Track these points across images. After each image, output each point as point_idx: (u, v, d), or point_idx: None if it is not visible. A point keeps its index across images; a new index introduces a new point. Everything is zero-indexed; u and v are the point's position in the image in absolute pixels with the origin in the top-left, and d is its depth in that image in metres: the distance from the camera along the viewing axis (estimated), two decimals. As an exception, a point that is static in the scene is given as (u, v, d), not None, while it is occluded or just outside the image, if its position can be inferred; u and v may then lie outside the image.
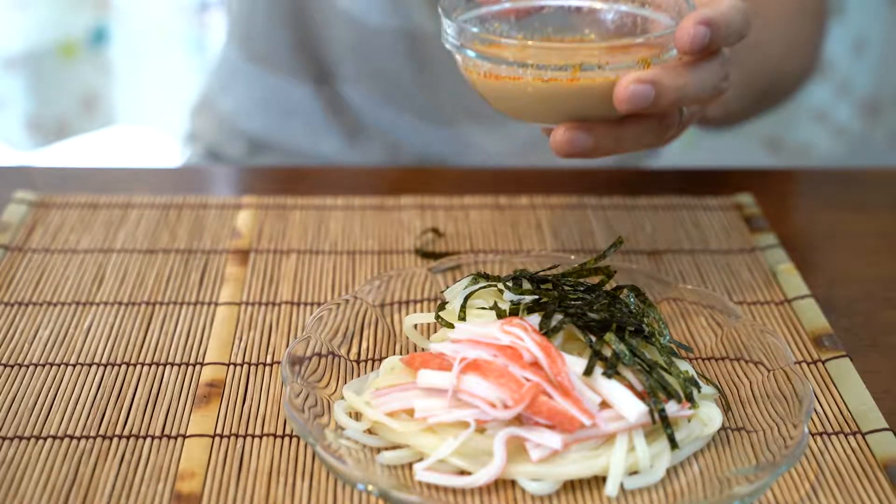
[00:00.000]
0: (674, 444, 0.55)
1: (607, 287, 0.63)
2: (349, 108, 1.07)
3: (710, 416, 0.57)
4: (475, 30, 0.64)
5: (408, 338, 0.64)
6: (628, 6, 0.68)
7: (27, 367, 0.63)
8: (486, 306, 0.61)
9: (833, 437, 0.59)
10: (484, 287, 0.62)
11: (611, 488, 0.53)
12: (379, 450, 0.56)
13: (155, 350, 0.65)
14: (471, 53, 0.63)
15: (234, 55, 1.11)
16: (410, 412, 0.56)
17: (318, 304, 0.70)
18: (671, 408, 0.55)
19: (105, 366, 0.64)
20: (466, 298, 0.61)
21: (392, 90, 1.05)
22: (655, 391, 0.55)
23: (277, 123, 1.09)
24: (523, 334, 0.56)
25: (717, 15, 0.60)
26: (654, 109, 0.60)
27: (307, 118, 1.08)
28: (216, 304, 0.69)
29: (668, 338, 0.60)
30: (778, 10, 0.93)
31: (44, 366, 0.63)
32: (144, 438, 0.58)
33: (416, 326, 0.64)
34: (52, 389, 0.61)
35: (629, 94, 0.59)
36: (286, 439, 0.58)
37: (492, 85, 0.64)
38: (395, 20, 1.01)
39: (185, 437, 0.58)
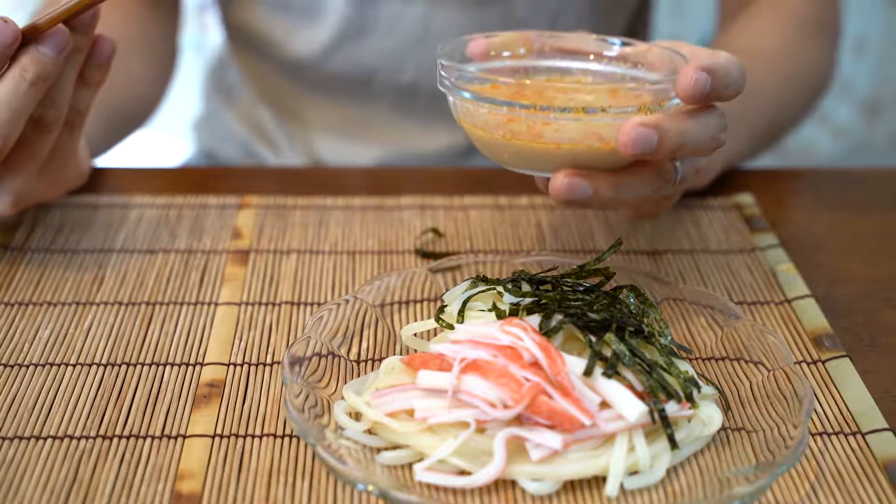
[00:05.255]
0: (674, 444, 0.55)
1: (607, 287, 0.63)
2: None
3: (710, 416, 0.57)
4: (473, 69, 0.63)
5: (408, 338, 0.64)
6: (622, 67, 0.69)
7: (27, 367, 0.63)
8: (486, 308, 0.61)
9: (833, 437, 0.59)
10: (483, 291, 0.62)
11: (611, 488, 0.53)
12: (379, 450, 0.56)
13: (155, 350, 0.65)
14: (467, 95, 0.63)
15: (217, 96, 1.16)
16: (410, 412, 0.56)
17: (318, 304, 0.70)
18: (671, 408, 0.55)
19: (105, 366, 0.64)
20: (465, 302, 0.61)
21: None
22: (655, 391, 0.55)
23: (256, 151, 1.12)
24: (523, 334, 0.56)
25: (716, 64, 0.61)
26: (656, 156, 0.61)
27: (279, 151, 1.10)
28: (216, 304, 0.69)
29: (668, 338, 0.60)
30: (773, 42, 0.91)
31: (44, 366, 0.63)
32: (144, 438, 0.58)
33: (415, 333, 0.64)
34: (52, 389, 0.61)
35: (633, 137, 0.60)
36: (286, 439, 0.58)
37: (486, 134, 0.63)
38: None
39: (185, 437, 0.58)
